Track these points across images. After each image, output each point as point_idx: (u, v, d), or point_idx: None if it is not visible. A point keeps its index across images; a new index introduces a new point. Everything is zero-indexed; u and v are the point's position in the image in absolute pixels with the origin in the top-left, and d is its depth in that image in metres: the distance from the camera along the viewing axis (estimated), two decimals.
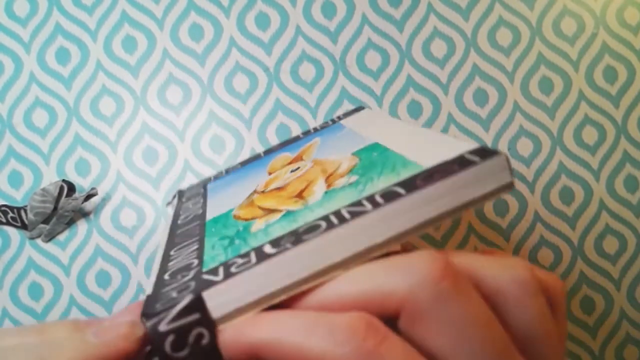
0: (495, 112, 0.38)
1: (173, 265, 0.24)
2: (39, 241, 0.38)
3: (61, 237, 0.38)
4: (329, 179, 0.26)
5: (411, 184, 0.19)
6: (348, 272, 0.18)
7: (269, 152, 0.36)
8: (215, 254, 0.23)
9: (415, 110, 0.38)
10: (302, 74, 0.39)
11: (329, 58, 0.39)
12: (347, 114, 0.36)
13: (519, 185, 0.38)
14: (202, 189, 0.34)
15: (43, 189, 0.36)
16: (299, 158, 0.32)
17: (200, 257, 0.23)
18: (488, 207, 0.38)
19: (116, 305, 0.37)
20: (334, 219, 0.19)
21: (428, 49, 0.39)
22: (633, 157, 0.38)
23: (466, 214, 0.38)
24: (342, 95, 0.38)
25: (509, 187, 0.19)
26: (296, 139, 0.36)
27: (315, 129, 0.36)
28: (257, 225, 0.24)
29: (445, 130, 0.38)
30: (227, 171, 0.36)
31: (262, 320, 0.17)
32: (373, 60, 0.39)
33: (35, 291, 0.37)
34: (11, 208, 0.36)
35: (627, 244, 0.38)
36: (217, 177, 0.35)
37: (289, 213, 0.24)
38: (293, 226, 0.21)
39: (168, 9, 0.39)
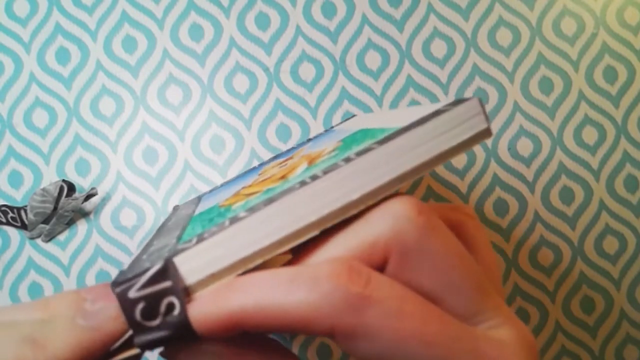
0: (496, 112, 0.38)
1: (153, 247, 0.22)
2: (39, 241, 0.38)
3: (61, 237, 0.38)
4: (312, 161, 0.24)
5: (385, 139, 0.18)
6: (329, 237, 0.17)
7: (264, 163, 0.36)
8: (194, 231, 0.22)
9: None
10: (302, 74, 0.39)
11: (329, 58, 0.39)
12: (341, 123, 0.36)
13: (519, 185, 0.38)
14: (197, 200, 0.35)
15: (43, 189, 0.36)
16: (289, 159, 0.32)
17: (179, 237, 0.22)
18: (488, 207, 0.38)
19: None
20: (308, 180, 0.18)
21: (428, 49, 0.39)
22: (633, 157, 0.38)
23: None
24: (342, 95, 0.38)
25: (485, 133, 0.18)
26: (291, 149, 0.36)
27: (309, 139, 0.36)
28: (238, 204, 0.23)
29: None
30: (223, 184, 0.36)
31: (236, 284, 0.16)
32: (373, 60, 0.39)
33: (35, 291, 0.37)
34: (11, 208, 0.36)
35: (627, 244, 0.38)
36: (213, 189, 0.36)
37: (269, 190, 0.22)
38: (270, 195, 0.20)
39: (168, 9, 0.39)
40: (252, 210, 0.17)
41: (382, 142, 0.18)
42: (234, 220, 0.17)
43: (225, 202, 0.26)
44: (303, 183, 0.17)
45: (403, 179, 0.18)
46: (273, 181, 0.25)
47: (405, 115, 0.23)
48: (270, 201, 0.17)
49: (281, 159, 0.33)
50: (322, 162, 0.22)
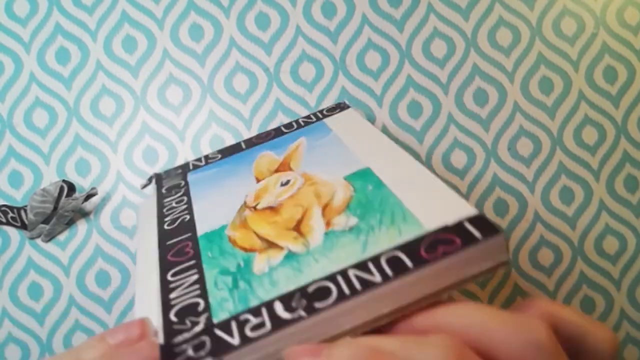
0: (495, 112, 0.38)
1: (176, 300, 0.24)
2: (39, 241, 0.37)
3: (61, 237, 0.38)
4: (325, 211, 0.27)
5: (416, 255, 0.21)
6: None
7: (250, 144, 0.35)
8: (220, 296, 0.24)
9: (415, 110, 0.38)
10: (302, 74, 0.39)
11: (329, 58, 0.39)
12: (331, 110, 0.36)
13: (519, 185, 0.38)
14: (182, 180, 0.34)
15: (43, 189, 0.36)
16: (286, 165, 0.32)
17: (204, 296, 0.24)
18: (488, 207, 0.38)
19: (116, 305, 0.37)
20: (343, 285, 0.21)
21: (428, 49, 0.39)
22: (633, 157, 0.38)
23: None
24: (342, 95, 0.38)
25: (506, 264, 0.21)
26: (279, 132, 0.35)
27: (298, 124, 0.36)
28: (259, 264, 0.25)
29: (445, 130, 0.38)
30: (207, 160, 0.35)
31: None
32: (373, 60, 0.39)
33: (35, 291, 0.37)
34: (11, 208, 0.36)
35: (627, 244, 0.38)
36: (196, 166, 0.35)
37: (291, 255, 0.25)
38: (299, 278, 0.23)
39: (168, 9, 0.39)
40: (291, 309, 0.20)
41: (414, 260, 0.21)
42: (276, 322, 0.20)
43: (237, 238, 0.27)
44: (340, 293, 0.20)
45: (427, 298, 0.20)
46: (286, 227, 0.26)
47: (410, 175, 0.26)
48: (310, 310, 0.20)
49: (275, 156, 0.33)
50: (343, 236, 0.24)
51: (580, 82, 0.38)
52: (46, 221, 0.37)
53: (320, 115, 0.36)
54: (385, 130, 0.38)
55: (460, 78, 0.39)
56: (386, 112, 0.38)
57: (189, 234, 0.29)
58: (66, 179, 0.37)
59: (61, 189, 0.36)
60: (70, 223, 0.38)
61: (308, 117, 0.36)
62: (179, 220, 0.30)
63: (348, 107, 0.36)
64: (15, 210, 0.36)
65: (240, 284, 0.24)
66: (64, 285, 0.37)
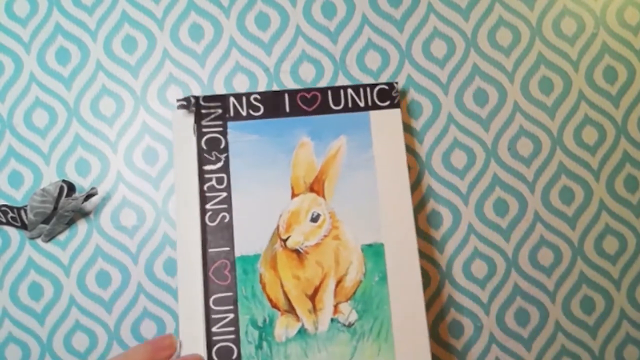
0: (495, 112, 0.38)
1: (217, 337, 0.32)
2: (39, 241, 0.38)
3: (61, 237, 0.38)
4: (337, 289, 0.33)
5: None
6: None
7: (294, 108, 0.35)
8: (249, 352, 0.32)
9: (415, 110, 0.38)
10: (302, 74, 0.39)
11: (329, 58, 0.39)
12: (381, 96, 0.36)
13: (519, 185, 0.38)
14: (222, 135, 0.35)
15: (43, 189, 0.36)
16: (321, 183, 0.35)
17: (237, 343, 0.32)
18: (488, 207, 0.38)
19: (116, 305, 0.37)
20: None
21: (428, 49, 0.39)
22: (633, 157, 0.38)
23: (466, 213, 0.38)
24: None
25: None
26: (324, 106, 0.36)
27: (345, 100, 0.36)
28: (279, 329, 0.33)
29: (445, 130, 0.38)
30: (249, 109, 0.35)
31: None
32: (373, 60, 0.39)
33: (35, 291, 0.37)
34: (11, 208, 0.36)
35: (627, 244, 0.38)
36: (237, 114, 0.35)
37: (303, 332, 0.33)
38: None
39: (168, 9, 0.39)
40: None
41: None
42: None
43: (266, 281, 0.33)
44: None
45: None
46: (304, 295, 0.33)
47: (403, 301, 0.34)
48: None
49: (314, 160, 0.35)
50: (341, 333, 0.33)
51: (580, 82, 0.38)
52: (46, 221, 0.37)
53: (367, 106, 0.36)
54: None
55: (460, 78, 0.39)
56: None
57: (228, 249, 0.34)
58: (66, 179, 0.37)
59: (61, 189, 0.36)
60: (70, 223, 0.38)
61: (357, 90, 0.36)
62: (219, 218, 0.34)
63: (396, 98, 0.36)
64: (15, 210, 0.36)
65: (263, 344, 0.32)
66: (64, 285, 0.37)
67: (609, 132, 0.38)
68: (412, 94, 0.38)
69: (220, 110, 0.35)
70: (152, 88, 0.38)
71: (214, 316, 0.33)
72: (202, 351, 0.32)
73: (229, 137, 0.35)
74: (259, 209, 0.34)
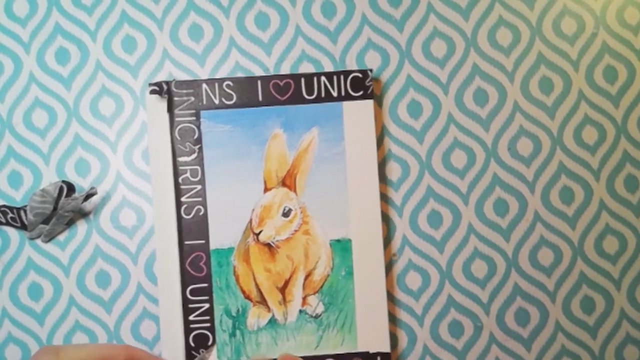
0: (495, 112, 0.38)
1: (194, 324, 0.35)
2: (38, 241, 0.37)
3: (61, 237, 0.37)
4: (306, 282, 0.35)
5: None
6: None
7: (267, 97, 0.36)
8: (223, 339, 0.35)
9: (415, 110, 0.38)
10: None
11: (329, 58, 0.39)
12: (354, 85, 0.36)
13: (519, 185, 0.38)
14: (195, 125, 0.36)
15: (43, 190, 0.36)
16: (292, 177, 0.36)
17: (212, 330, 0.35)
18: (488, 207, 0.38)
19: (116, 305, 0.37)
20: None
21: (428, 49, 0.39)
22: (633, 157, 0.38)
23: (466, 213, 0.38)
24: None
25: None
26: (298, 95, 0.36)
27: (319, 90, 0.36)
28: (251, 318, 0.35)
29: (445, 130, 0.38)
30: (222, 98, 0.36)
31: None
32: (373, 60, 0.39)
33: (35, 291, 0.37)
34: (11, 208, 0.36)
35: (627, 244, 0.38)
36: (210, 102, 0.36)
37: (273, 322, 0.35)
38: (274, 349, 0.35)
39: (168, 9, 0.39)
40: None
41: None
42: None
43: (240, 273, 0.35)
44: None
45: None
46: (274, 288, 0.35)
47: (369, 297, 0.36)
48: None
49: (287, 155, 0.36)
50: (308, 323, 0.35)
51: (580, 82, 0.38)
52: (46, 221, 0.37)
53: (340, 96, 0.36)
54: (385, 130, 0.38)
55: (460, 78, 0.39)
56: (386, 112, 0.38)
57: (203, 241, 0.36)
58: (66, 180, 0.37)
59: (61, 189, 0.36)
60: (70, 223, 0.38)
61: (331, 79, 0.36)
62: (194, 211, 0.36)
63: (370, 87, 0.36)
64: (14, 211, 0.36)
65: (237, 332, 0.35)
66: (64, 285, 0.37)
67: (609, 132, 0.38)
68: (412, 94, 0.38)
69: (192, 98, 0.36)
70: None
71: (190, 306, 0.35)
72: (181, 338, 0.35)
73: (202, 127, 0.36)
74: (233, 202, 0.36)
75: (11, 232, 0.38)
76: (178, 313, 0.35)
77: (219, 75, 0.38)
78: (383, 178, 0.38)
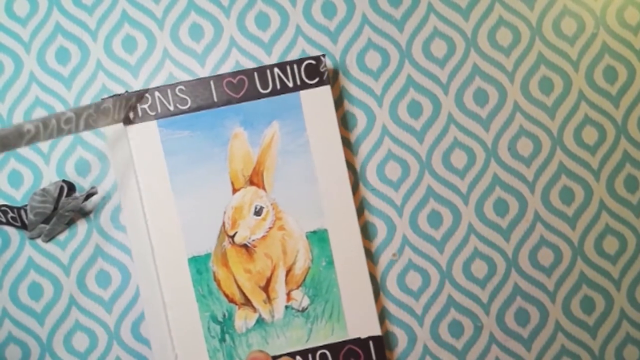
0: (495, 112, 0.38)
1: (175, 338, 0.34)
2: (39, 241, 0.37)
3: (61, 237, 0.38)
4: (288, 277, 0.35)
5: (337, 357, 0.35)
6: None
7: (222, 98, 0.35)
8: (214, 345, 0.34)
9: (415, 110, 0.38)
10: None
11: (329, 58, 0.39)
12: (309, 73, 0.35)
13: (519, 185, 0.38)
14: (154, 126, 0.34)
15: (43, 189, 0.36)
16: (259, 174, 0.35)
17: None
18: (488, 207, 0.38)
19: (116, 305, 0.37)
20: None
21: (428, 49, 0.39)
22: (633, 157, 0.38)
23: (466, 213, 0.38)
24: (341, 95, 0.38)
25: None
26: (253, 91, 0.35)
27: (273, 83, 0.35)
28: (239, 320, 0.35)
29: (445, 130, 0.38)
30: (176, 104, 0.35)
31: None
32: (373, 60, 0.39)
33: (35, 291, 0.37)
34: (11, 208, 0.36)
35: (627, 244, 0.38)
36: (165, 110, 0.35)
37: (261, 322, 0.35)
38: (265, 348, 0.34)
39: (168, 9, 0.39)
40: None
41: None
42: None
43: (221, 278, 0.35)
44: None
45: None
46: (257, 287, 0.35)
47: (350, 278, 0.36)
48: None
49: (250, 151, 0.35)
50: (295, 317, 0.35)
51: (580, 82, 0.38)
52: (46, 221, 0.37)
53: (296, 85, 0.35)
54: (385, 130, 0.38)
55: (460, 78, 0.39)
56: (386, 112, 0.38)
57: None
58: (66, 179, 0.37)
59: (61, 189, 0.36)
60: (70, 223, 0.38)
61: (284, 69, 0.35)
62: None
63: (325, 74, 0.35)
64: (15, 210, 0.36)
65: (226, 337, 0.35)
66: (63, 285, 0.37)
67: (609, 132, 0.38)
68: (412, 94, 0.38)
69: (146, 108, 0.35)
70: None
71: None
72: (170, 347, 0.34)
73: (160, 135, 0.35)
74: (203, 207, 0.35)
75: (11, 231, 0.38)
76: (164, 324, 0.34)
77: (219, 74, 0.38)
78: (383, 178, 0.38)
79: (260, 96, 0.35)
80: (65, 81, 0.38)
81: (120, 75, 0.38)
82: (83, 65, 0.38)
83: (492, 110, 0.38)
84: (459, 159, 0.38)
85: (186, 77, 0.38)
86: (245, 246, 0.35)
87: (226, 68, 0.38)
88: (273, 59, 0.38)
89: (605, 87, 0.38)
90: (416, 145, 0.38)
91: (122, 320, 0.37)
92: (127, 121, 0.35)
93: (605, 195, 0.38)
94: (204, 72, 0.38)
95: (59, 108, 0.38)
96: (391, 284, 0.37)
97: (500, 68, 0.39)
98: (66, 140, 0.38)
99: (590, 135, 0.38)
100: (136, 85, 0.38)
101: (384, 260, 0.37)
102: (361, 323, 0.35)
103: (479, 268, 0.38)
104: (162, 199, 0.35)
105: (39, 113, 0.38)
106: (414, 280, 0.37)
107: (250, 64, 0.38)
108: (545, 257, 0.38)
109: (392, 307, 0.37)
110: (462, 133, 0.38)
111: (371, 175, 0.38)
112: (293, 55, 0.38)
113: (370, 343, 0.35)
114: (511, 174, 0.38)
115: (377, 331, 0.35)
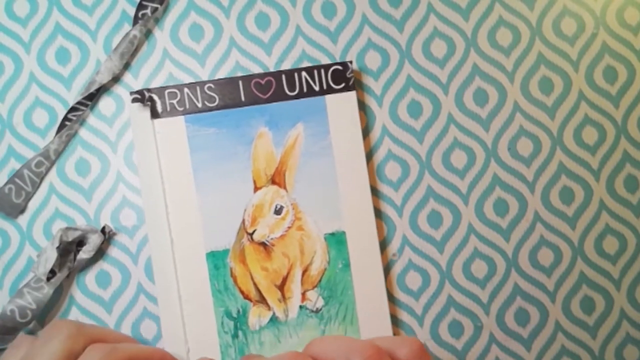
0: (495, 112, 0.38)
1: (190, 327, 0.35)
2: (39, 241, 0.37)
3: None
4: (304, 278, 0.35)
5: None
6: None
7: (249, 97, 0.36)
8: (226, 341, 0.35)
9: (415, 110, 0.38)
10: None
11: (329, 58, 0.39)
12: (335, 77, 0.36)
13: (519, 185, 0.38)
14: (182, 121, 0.35)
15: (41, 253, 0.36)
16: (282, 174, 0.35)
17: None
18: (488, 207, 0.38)
19: (116, 305, 0.37)
20: None
21: (428, 49, 0.39)
22: (633, 157, 0.38)
23: (466, 213, 0.38)
24: None
25: None
26: (280, 92, 0.36)
27: (300, 85, 0.36)
28: (252, 318, 0.35)
29: (445, 130, 0.38)
30: (205, 101, 0.35)
31: None
32: (373, 60, 0.39)
33: None
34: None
35: (627, 244, 0.38)
36: (193, 106, 0.35)
37: (274, 320, 0.35)
38: (277, 347, 0.34)
39: (168, 9, 0.39)
40: None
41: None
42: None
43: (237, 274, 0.35)
44: None
45: None
46: (273, 286, 0.35)
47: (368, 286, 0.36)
48: None
49: (273, 151, 0.36)
50: (309, 317, 0.35)
51: (580, 82, 0.38)
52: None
53: (322, 90, 0.36)
54: (385, 130, 0.38)
55: (460, 78, 0.39)
56: (386, 111, 0.38)
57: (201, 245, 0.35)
58: (66, 179, 0.37)
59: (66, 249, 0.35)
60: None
61: (312, 73, 0.36)
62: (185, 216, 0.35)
63: (351, 80, 0.36)
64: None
65: (239, 333, 0.35)
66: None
67: (609, 132, 0.38)
68: (412, 94, 0.38)
69: (175, 103, 0.36)
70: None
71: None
72: (184, 340, 0.35)
73: (187, 131, 0.35)
74: (224, 204, 0.35)
75: (12, 231, 0.38)
76: (179, 318, 0.35)
77: (220, 74, 0.38)
78: (383, 178, 0.38)
79: (287, 98, 0.36)
80: (65, 81, 0.38)
81: (120, 75, 0.38)
82: (83, 65, 0.38)
83: (492, 110, 0.38)
84: (459, 159, 0.38)
85: (186, 77, 0.38)
86: (263, 244, 0.35)
87: (226, 68, 0.38)
88: (273, 59, 0.38)
89: (605, 87, 0.38)
90: (416, 145, 0.38)
91: (122, 320, 0.37)
92: (155, 114, 0.35)
93: (605, 195, 0.38)
94: (203, 73, 0.38)
95: (59, 108, 0.38)
96: (391, 284, 0.37)
97: (500, 68, 0.39)
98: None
99: (590, 135, 0.38)
100: (136, 86, 0.38)
101: (384, 260, 0.37)
102: (374, 327, 0.35)
103: (479, 268, 0.38)
104: (184, 193, 0.35)
105: (39, 113, 0.38)
106: (413, 280, 0.37)
107: (250, 64, 0.38)
108: (545, 257, 0.38)
109: (392, 307, 0.37)
110: (462, 133, 0.38)
111: (371, 175, 0.38)
112: (293, 56, 0.38)
113: None
114: (511, 174, 0.38)
115: (389, 335, 0.35)
